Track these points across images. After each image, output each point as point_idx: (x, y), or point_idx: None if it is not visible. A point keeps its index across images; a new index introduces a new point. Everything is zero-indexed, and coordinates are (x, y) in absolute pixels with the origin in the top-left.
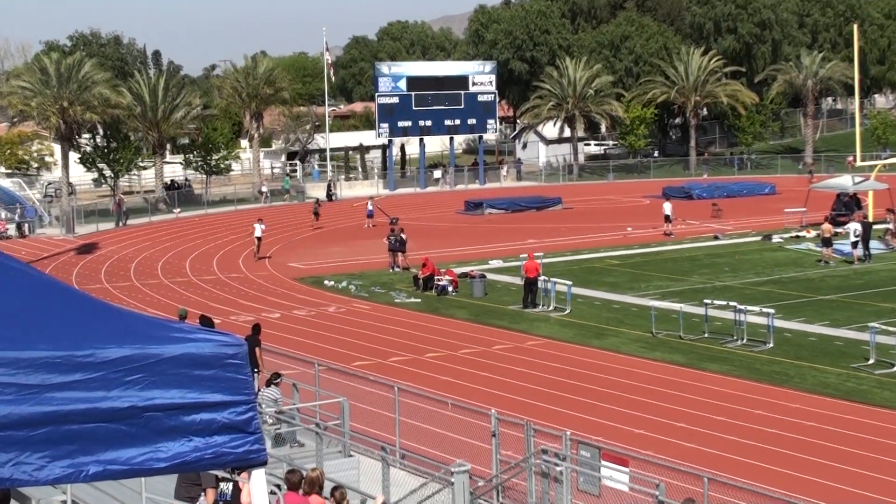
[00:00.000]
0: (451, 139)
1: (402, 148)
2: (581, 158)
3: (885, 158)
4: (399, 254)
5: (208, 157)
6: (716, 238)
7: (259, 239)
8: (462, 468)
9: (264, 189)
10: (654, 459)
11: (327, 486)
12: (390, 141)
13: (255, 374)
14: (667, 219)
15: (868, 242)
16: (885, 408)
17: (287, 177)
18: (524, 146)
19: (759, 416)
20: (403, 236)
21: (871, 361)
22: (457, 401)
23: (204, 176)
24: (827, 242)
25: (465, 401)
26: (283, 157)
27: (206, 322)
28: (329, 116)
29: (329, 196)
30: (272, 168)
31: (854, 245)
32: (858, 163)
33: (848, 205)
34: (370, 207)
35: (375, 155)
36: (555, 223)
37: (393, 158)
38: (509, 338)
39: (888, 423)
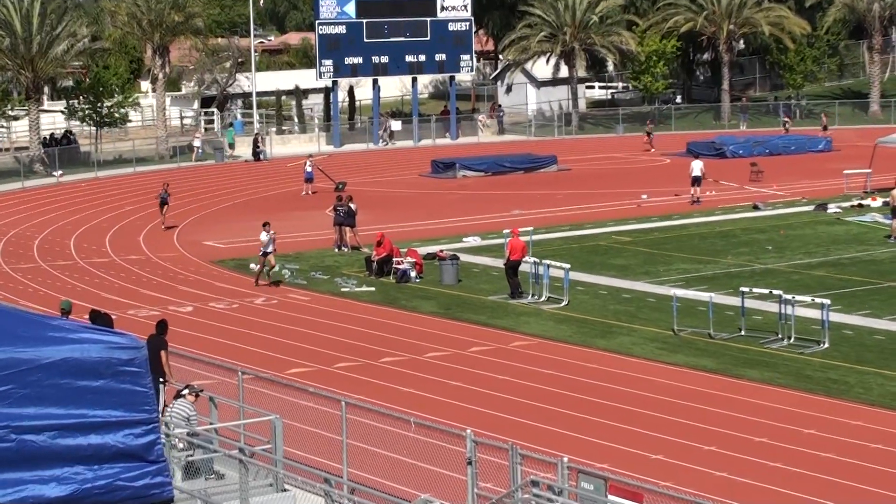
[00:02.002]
0: (414, 80)
1: (351, 92)
2: (582, 106)
3: None
4: (347, 229)
5: (98, 105)
6: (755, 208)
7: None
8: None
9: (198, 143)
10: (676, 493)
11: None
12: (335, 83)
13: (161, 385)
14: (695, 181)
15: None
16: None
17: (231, 127)
18: (508, 90)
19: (811, 436)
20: (353, 206)
21: None
22: (422, 419)
23: (93, 129)
24: None
25: (433, 419)
26: (196, 105)
27: (99, 319)
28: (256, 51)
29: (256, 154)
30: (182, 118)
31: None
32: None
33: None
34: (309, 169)
35: (316, 101)
36: (548, 189)
37: (338, 105)
38: (489, 337)
39: None
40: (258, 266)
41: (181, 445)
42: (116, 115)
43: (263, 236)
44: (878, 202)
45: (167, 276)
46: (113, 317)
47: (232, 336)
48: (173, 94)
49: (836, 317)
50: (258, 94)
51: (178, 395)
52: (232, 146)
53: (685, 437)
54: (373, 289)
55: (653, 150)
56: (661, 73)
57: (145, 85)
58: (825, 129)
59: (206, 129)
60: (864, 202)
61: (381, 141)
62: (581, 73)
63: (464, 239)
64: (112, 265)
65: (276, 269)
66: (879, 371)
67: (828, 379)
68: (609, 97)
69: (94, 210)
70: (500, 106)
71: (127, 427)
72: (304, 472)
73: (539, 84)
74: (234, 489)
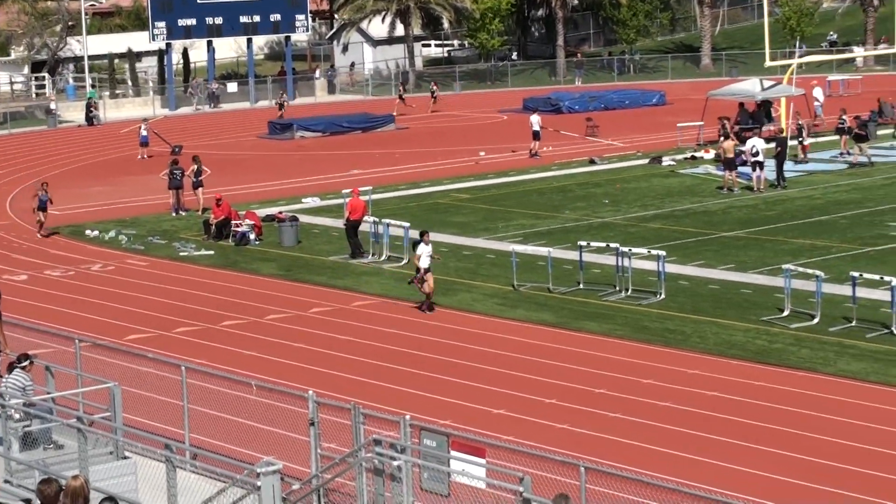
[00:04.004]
0: (249, 41)
1: (185, 54)
2: (419, 64)
3: (801, 57)
4: (181, 191)
5: None
6: (592, 162)
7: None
8: (271, 468)
9: (53, 106)
10: (518, 447)
11: (94, 498)
12: (169, 45)
13: None
14: (536, 135)
15: (783, 164)
16: (803, 370)
17: (93, 88)
18: (345, 49)
19: (649, 385)
20: (203, 167)
21: (785, 313)
22: (263, 381)
23: None
24: (730, 164)
25: (275, 381)
26: (27, 69)
27: None
28: (86, 14)
29: (89, 119)
30: (12, 83)
31: (755, 167)
32: (768, 62)
33: (755, 116)
34: (144, 133)
35: (150, 64)
36: (386, 148)
37: (173, 68)
38: (330, 297)
39: (808, 388)
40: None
41: (17, 416)
42: None
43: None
44: (711, 154)
45: (0, 245)
46: None
47: (68, 304)
48: (2, 60)
49: (671, 268)
50: (90, 57)
51: (13, 367)
52: (96, 106)
53: (526, 390)
54: (212, 252)
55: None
56: (496, 31)
57: None
58: (434, 98)
59: (37, 95)
60: (696, 154)
61: (199, 105)
62: (417, 31)
63: (303, 200)
64: None
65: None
66: (714, 320)
67: (665, 329)
68: (445, 55)
69: None
70: (331, 66)
71: None
72: (145, 439)
73: (375, 43)
74: (74, 458)
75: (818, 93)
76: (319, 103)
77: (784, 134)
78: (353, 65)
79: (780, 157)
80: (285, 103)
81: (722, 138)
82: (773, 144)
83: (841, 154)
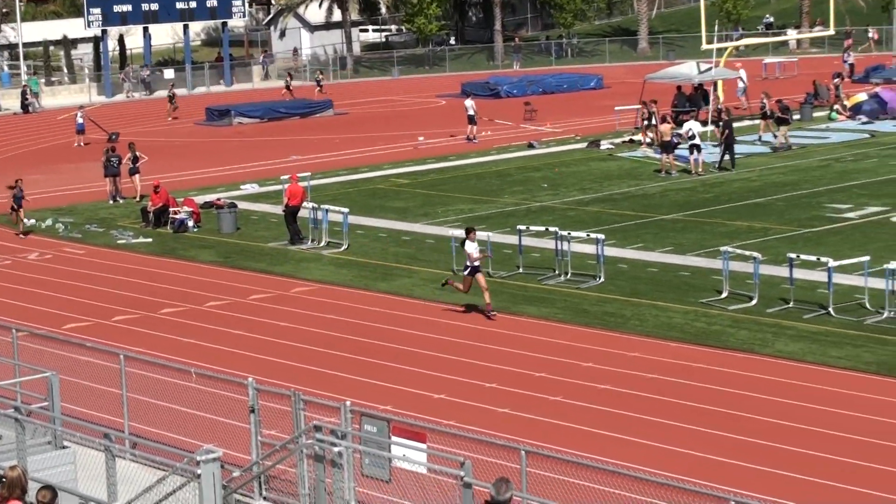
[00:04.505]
0: (186, 28)
1: (121, 41)
2: (356, 49)
3: (738, 39)
4: (118, 179)
5: None
6: (530, 146)
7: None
8: (211, 455)
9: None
10: (459, 431)
11: (33, 488)
12: (104, 31)
13: None
14: (471, 120)
15: (731, 146)
16: (742, 351)
17: (34, 76)
18: (282, 35)
19: (589, 369)
20: (139, 154)
21: (724, 295)
22: (203, 369)
23: None
24: (667, 147)
25: (215, 368)
26: None
27: None
28: (21, 0)
29: (25, 107)
30: None
31: (692, 150)
32: (704, 45)
33: (693, 99)
34: (80, 120)
35: (86, 51)
36: (325, 134)
37: (109, 55)
38: (270, 284)
39: (746, 369)
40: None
41: None
42: None
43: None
44: (649, 137)
45: None
46: None
47: (5, 293)
48: None
49: (610, 251)
50: (25, 44)
51: None
52: (35, 94)
53: (467, 375)
54: (150, 240)
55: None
56: (434, 15)
57: None
58: (320, 88)
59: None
60: (634, 138)
61: (132, 92)
62: (354, 16)
63: (241, 186)
64: None
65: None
66: (653, 303)
67: (604, 312)
68: (383, 40)
69: None
70: (265, 52)
71: None
72: (84, 429)
73: (313, 28)
74: (11, 449)
75: (742, 75)
76: (257, 89)
77: (730, 116)
78: (295, 50)
79: (728, 140)
80: (290, 85)
81: (660, 121)
82: (710, 128)
83: (759, 138)
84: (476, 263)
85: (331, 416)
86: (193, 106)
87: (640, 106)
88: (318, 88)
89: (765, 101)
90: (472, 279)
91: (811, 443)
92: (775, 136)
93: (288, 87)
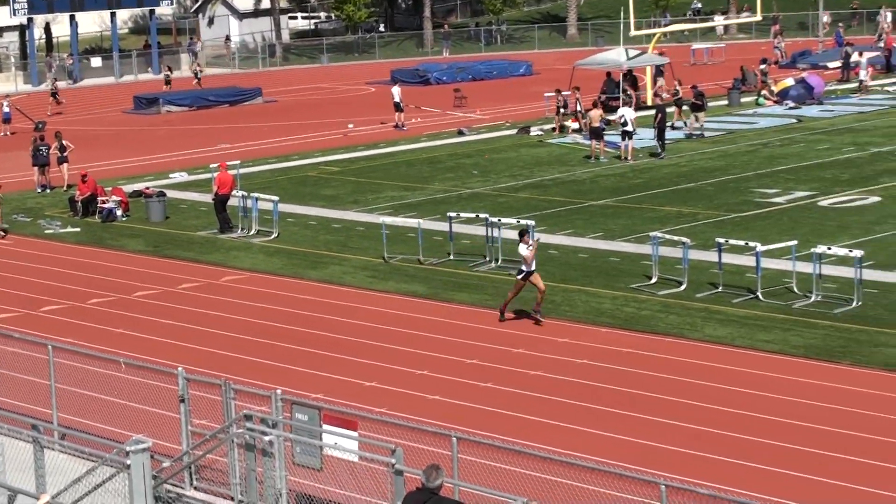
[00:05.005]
0: (113, 15)
1: (48, 29)
2: (285, 37)
3: (666, 26)
4: (46, 168)
5: None
6: (460, 133)
7: None
8: (141, 446)
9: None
10: (390, 419)
11: None
12: (30, 19)
13: None
14: (397, 107)
15: (663, 131)
16: (671, 336)
17: None
18: (210, 22)
19: (520, 355)
20: (66, 143)
21: (653, 280)
22: (132, 359)
23: None
24: (596, 134)
25: (144, 358)
26: None
27: None
28: None
29: None
30: None
31: (624, 136)
32: (633, 31)
33: (622, 85)
34: (6, 109)
35: (11, 39)
36: (254, 121)
37: (35, 43)
38: (200, 273)
39: (676, 354)
40: None
41: None
42: None
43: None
44: (575, 125)
45: None
46: None
47: None
48: None
49: (542, 238)
50: None
51: None
52: None
53: (398, 362)
54: (78, 229)
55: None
56: (363, 2)
57: None
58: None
59: None
60: (564, 124)
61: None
62: (283, 3)
63: (170, 175)
64: None
65: None
66: (583, 288)
67: (535, 299)
68: (312, 27)
69: None
70: (192, 40)
71: None
72: (12, 420)
73: (241, 16)
74: None
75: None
76: (186, 77)
77: (663, 100)
78: (227, 38)
79: (660, 125)
80: (170, 76)
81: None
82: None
83: (672, 125)
84: (532, 267)
85: (261, 405)
86: (122, 94)
87: (553, 93)
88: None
89: (678, 88)
90: (524, 284)
91: (741, 427)
92: (685, 124)
93: (168, 82)
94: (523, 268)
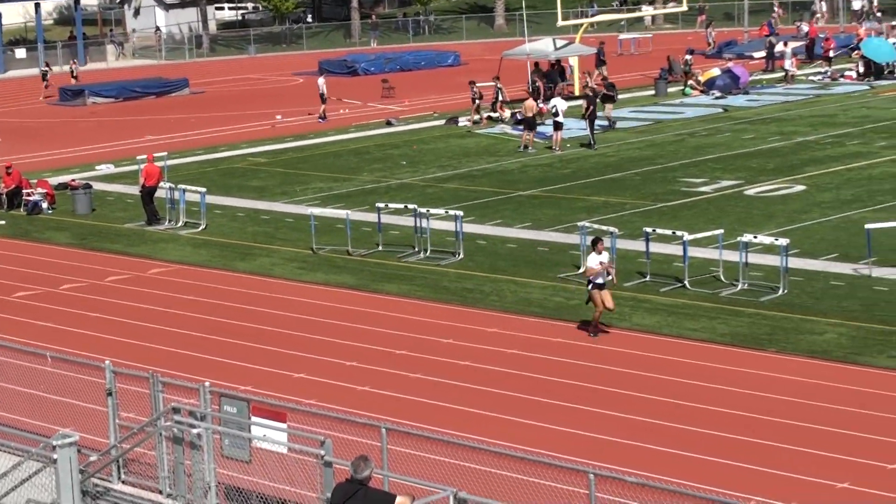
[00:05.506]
0: (37, 6)
1: None
2: (212, 27)
3: (593, 16)
4: None
5: None
6: (389, 124)
7: None
8: (67, 440)
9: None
10: (319, 410)
11: None
12: None
13: None
14: (322, 99)
15: (592, 122)
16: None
17: None
18: (136, 13)
19: (449, 345)
20: None
21: (581, 270)
22: (58, 352)
23: None
24: (529, 123)
25: (71, 352)
26: None
27: None
28: None
29: None
30: None
31: (556, 126)
32: (560, 22)
33: (549, 75)
34: None
35: None
36: (181, 113)
37: None
38: (127, 265)
39: (604, 343)
40: None
41: None
42: None
43: None
44: (507, 113)
45: None
46: None
47: None
48: None
49: (469, 228)
50: None
51: None
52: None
53: (327, 353)
54: (2, 222)
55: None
56: None
57: None
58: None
59: None
60: (493, 115)
61: None
62: None
63: (96, 167)
64: None
65: None
66: (512, 278)
67: (463, 289)
68: (240, 18)
69: None
70: (111, 31)
71: None
72: None
73: (168, 6)
74: None
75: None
76: (111, 68)
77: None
78: (158, 28)
79: (591, 117)
80: (76, 70)
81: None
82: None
83: (583, 116)
84: (598, 279)
85: (190, 398)
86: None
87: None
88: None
89: (588, 80)
90: (599, 294)
91: (668, 415)
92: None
93: (44, 77)
94: (589, 277)
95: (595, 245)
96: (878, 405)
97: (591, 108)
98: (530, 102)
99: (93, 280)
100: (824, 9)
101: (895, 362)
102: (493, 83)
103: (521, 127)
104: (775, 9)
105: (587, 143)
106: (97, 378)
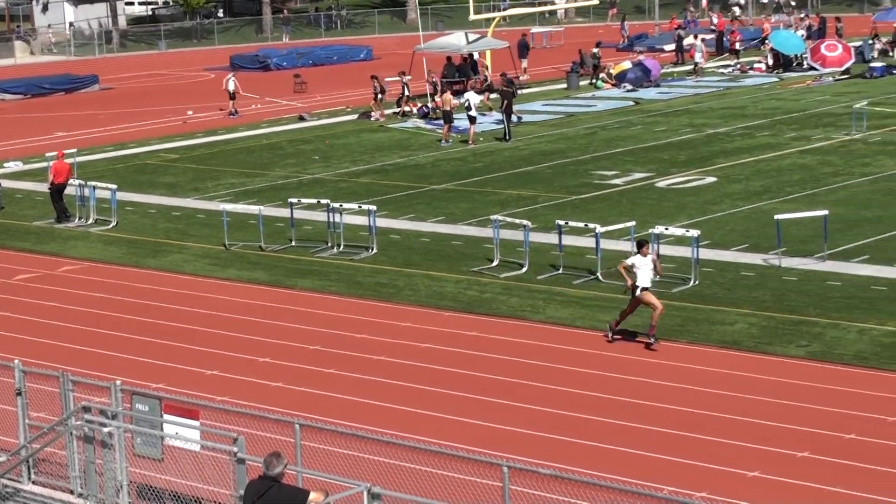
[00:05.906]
0: None
1: None
2: (122, 23)
3: (505, 10)
4: None
5: None
6: (301, 119)
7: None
8: None
9: None
10: (231, 407)
11: None
12: None
13: None
14: (231, 96)
15: (511, 115)
16: (514, 318)
17: None
18: (45, 9)
19: (363, 340)
20: None
21: (495, 263)
22: None
23: None
24: (447, 117)
25: None
26: None
27: None
28: None
29: None
30: None
31: (472, 120)
32: (472, 16)
33: (462, 69)
34: None
35: None
36: (90, 109)
37: None
38: (36, 263)
39: (518, 336)
40: None
41: None
42: None
43: None
44: (418, 108)
45: None
46: None
47: None
48: None
49: (382, 222)
50: None
51: None
52: None
53: (240, 350)
54: None
55: None
56: None
57: None
58: None
59: None
60: (406, 109)
61: None
62: None
63: (4, 164)
64: None
65: None
66: (426, 272)
67: (377, 283)
68: (150, 14)
69: None
70: (17, 27)
71: None
72: None
73: (77, 2)
74: None
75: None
76: (19, 65)
77: (513, 86)
78: (71, 24)
79: (507, 111)
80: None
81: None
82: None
83: (490, 110)
84: (637, 283)
85: (101, 397)
86: None
87: (396, 78)
88: None
89: (486, 73)
90: (638, 301)
91: (583, 407)
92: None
93: None
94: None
95: (640, 248)
96: (789, 394)
97: (507, 102)
98: (447, 96)
99: (1, 279)
100: (743, 1)
101: (805, 352)
102: (398, 78)
103: (434, 120)
104: (702, 3)
105: (501, 136)
106: (6, 378)
